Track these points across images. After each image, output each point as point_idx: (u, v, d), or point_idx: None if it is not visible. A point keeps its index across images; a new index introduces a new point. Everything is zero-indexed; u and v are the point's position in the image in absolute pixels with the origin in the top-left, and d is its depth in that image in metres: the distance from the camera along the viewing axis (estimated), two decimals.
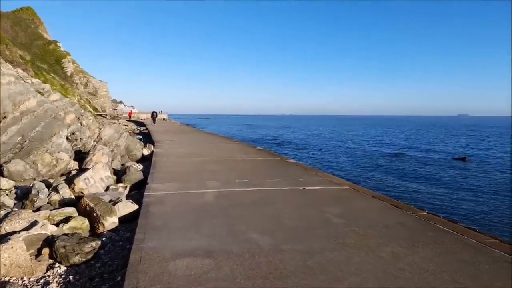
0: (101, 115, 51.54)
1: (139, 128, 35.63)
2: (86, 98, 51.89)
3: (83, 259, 3.93)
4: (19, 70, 9.44)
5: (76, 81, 53.37)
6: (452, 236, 4.39)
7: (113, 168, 8.34)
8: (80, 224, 4.64)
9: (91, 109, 46.49)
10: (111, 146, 9.65)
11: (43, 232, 4.22)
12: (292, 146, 37.65)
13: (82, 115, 10.01)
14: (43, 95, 9.25)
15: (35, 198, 5.40)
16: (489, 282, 3.18)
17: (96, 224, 4.80)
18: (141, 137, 24.94)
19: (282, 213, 5.23)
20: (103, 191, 6.50)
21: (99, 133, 10.11)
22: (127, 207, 5.32)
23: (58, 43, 53.99)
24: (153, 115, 47.38)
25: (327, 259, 3.60)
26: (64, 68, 50.82)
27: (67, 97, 37.19)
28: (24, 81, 8.87)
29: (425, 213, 5.47)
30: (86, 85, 56.51)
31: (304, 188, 6.89)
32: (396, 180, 17.75)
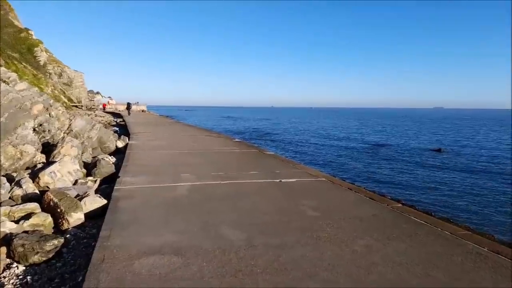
0: (76, 106, 50.04)
1: (115, 119, 34.74)
2: (60, 89, 50.17)
3: (44, 258, 3.70)
4: None
5: (50, 71, 51.50)
6: (426, 228, 4.39)
7: (83, 161, 8.01)
8: (43, 220, 4.38)
9: (65, 100, 45.02)
10: (82, 138, 9.28)
11: (1, 229, 3.95)
12: (272, 137, 37.61)
13: (51, 106, 9.56)
14: (8, 84, 8.76)
15: None
16: (462, 274, 3.16)
17: (60, 220, 4.56)
18: (117, 128, 24.31)
19: (256, 206, 5.11)
20: (71, 185, 6.20)
21: (70, 125, 9.69)
22: (94, 202, 5.08)
23: (30, 31, 51.79)
24: (128, 106, 46.48)
25: (300, 254, 3.50)
26: (37, 57, 48.85)
27: (40, 87, 35.86)
28: None
29: (399, 204, 5.47)
30: (60, 75, 54.63)
31: (280, 181, 6.80)
32: (373, 172, 17.96)
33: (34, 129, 8.23)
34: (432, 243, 3.89)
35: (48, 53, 54.56)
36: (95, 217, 5.03)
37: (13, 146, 6.75)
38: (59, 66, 55.16)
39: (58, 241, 3.94)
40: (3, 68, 9.41)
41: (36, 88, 9.88)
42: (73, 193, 5.39)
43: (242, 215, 4.67)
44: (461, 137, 40.87)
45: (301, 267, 3.21)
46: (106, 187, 6.66)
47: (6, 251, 3.72)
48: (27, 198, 5.25)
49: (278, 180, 6.81)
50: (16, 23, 52.70)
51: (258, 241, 3.79)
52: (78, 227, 4.60)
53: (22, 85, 9.48)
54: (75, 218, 4.56)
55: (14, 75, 9.82)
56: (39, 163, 7.20)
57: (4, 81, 8.64)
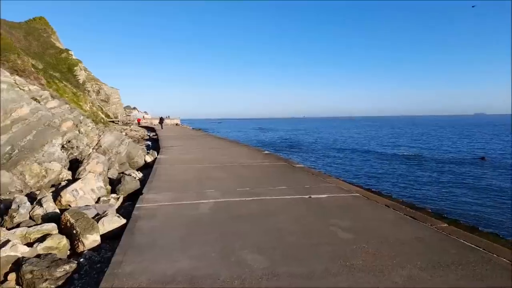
0: (113, 121, 51.85)
1: (148, 134, 35.52)
2: (98, 105, 52.30)
3: (52, 286, 3.46)
4: (17, 77, 9.15)
5: (88, 89, 53.85)
6: (479, 254, 3.77)
7: (108, 178, 7.93)
8: (57, 243, 4.18)
9: (103, 116, 46.76)
10: (110, 154, 9.26)
11: (12, 253, 3.78)
12: (302, 149, 36.90)
13: (81, 122, 9.66)
14: (39, 102, 8.93)
15: (15, 214, 4.98)
16: None
17: (76, 242, 4.35)
18: (150, 143, 24.72)
19: (283, 227, 4.68)
20: (93, 203, 6.06)
21: (99, 141, 9.74)
22: (113, 222, 4.85)
23: (70, 52, 54.65)
24: (161, 120, 47.55)
25: (330, 286, 3.04)
26: (76, 76, 51.31)
27: (79, 104, 37.44)
28: (20, 88, 8.56)
29: (445, 224, 4.83)
30: (98, 92, 57.04)
31: (310, 197, 6.32)
32: (412, 184, 16.91)
33: (62, 146, 8.28)
34: (488, 273, 3.29)
35: (87, 72, 57.22)
36: (114, 238, 4.80)
37: (38, 164, 6.77)
38: (97, 84, 57.64)
39: (69, 267, 3.71)
40: (35, 87, 9.62)
41: (68, 105, 10.04)
42: (92, 212, 5.21)
43: (266, 238, 4.25)
44: (506, 145, 38.23)
45: None
46: (129, 204, 6.48)
47: (15, 278, 3.52)
48: (47, 218, 5.12)
49: (307, 196, 6.34)
50: (57, 44, 55.80)
51: (282, 269, 3.36)
52: (94, 249, 4.36)
53: (53, 102, 9.66)
54: (91, 240, 4.33)
55: (46, 93, 10.04)
56: (64, 181, 7.18)
57: (35, 99, 8.81)
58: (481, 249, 3.93)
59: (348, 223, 4.80)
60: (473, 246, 4.02)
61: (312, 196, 6.36)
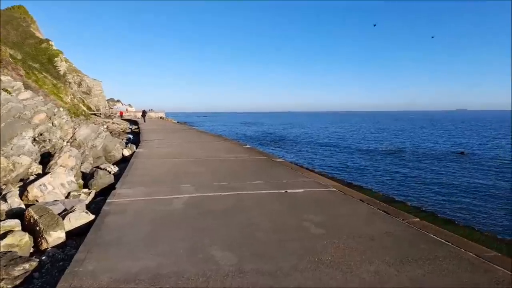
0: (95, 114, 50.85)
1: (131, 127, 34.97)
2: (80, 97, 51.15)
3: (9, 286, 3.30)
4: None
5: (69, 80, 52.62)
6: (447, 249, 3.78)
7: (82, 172, 7.71)
8: (18, 240, 4.00)
9: (84, 108, 45.76)
10: (85, 147, 9.01)
11: None
12: (286, 143, 36.95)
13: (54, 114, 9.35)
14: (10, 93, 8.59)
15: None
16: None
17: (39, 239, 4.18)
18: (131, 136, 24.35)
19: (256, 222, 4.61)
20: (63, 198, 5.87)
21: (73, 134, 9.45)
22: (80, 218, 4.69)
23: (50, 42, 53.20)
24: (143, 113, 46.94)
25: (296, 284, 2.98)
26: (57, 67, 50.03)
27: (59, 96, 36.47)
28: None
29: (417, 219, 4.85)
30: (79, 84, 55.80)
31: (286, 191, 6.27)
32: (393, 178, 17.12)
33: (34, 139, 8.00)
34: (455, 269, 3.29)
35: (68, 63, 55.83)
36: (82, 235, 4.64)
37: (5, 158, 6.50)
38: (78, 75, 56.36)
39: (30, 265, 3.55)
40: (8, 77, 9.25)
41: (41, 97, 9.71)
42: (59, 208, 5.04)
43: (237, 234, 4.18)
44: (485, 140, 39.16)
45: None
46: (101, 199, 6.30)
47: None
48: (12, 214, 4.92)
49: (283, 191, 6.29)
50: (37, 34, 54.21)
51: (249, 267, 3.29)
52: (58, 246, 4.21)
53: (26, 94, 9.32)
54: (55, 237, 4.17)
55: (19, 84, 9.68)
56: (33, 175, 6.94)
57: (6, 91, 8.47)
58: (450, 244, 3.95)
59: (321, 218, 4.77)
60: (442, 241, 4.04)
61: (288, 191, 6.31)
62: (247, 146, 15.17)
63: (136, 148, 12.70)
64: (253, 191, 6.28)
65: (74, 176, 6.82)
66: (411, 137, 43.63)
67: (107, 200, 5.55)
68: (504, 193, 13.92)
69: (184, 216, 4.86)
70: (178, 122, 61.91)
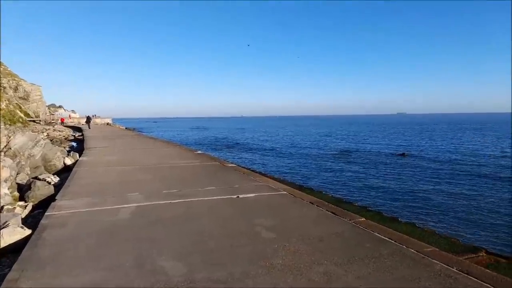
0: (34, 121, 47.36)
1: (74, 134, 33.06)
2: (16, 103, 47.35)
3: None
4: None
5: (4, 85, 48.51)
6: (390, 247, 3.98)
7: (17, 183, 7.12)
8: None
9: (21, 115, 42.45)
10: (21, 157, 8.34)
11: None
12: (238, 147, 37.04)
13: None
14: None
15: None
16: None
17: None
18: (74, 144, 23.03)
19: (206, 229, 4.54)
20: None
21: (8, 142, 8.72)
22: (15, 233, 4.32)
23: None
24: (88, 119, 44.61)
25: None
26: None
27: None
28: None
29: (363, 219, 5.07)
30: (16, 89, 51.67)
31: (238, 197, 6.26)
32: (341, 179, 17.80)
33: None
34: (397, 265, 3.47)
35: (2, 66, 51.60)
36: (17, 251, 4.27)
37: None
38: (14, 80, 52.26)
39: None
40: None
41: None
42: None
43: (187, 242, 4.08)
44: (424, 141, 42.09)
45: None
46: (40, 212, 5.87)
47: None
48: None
49: (235, 196, 6.27)
50: None
51: (200, 275, 3.22)
52: None
53: None
54: None
55: None
56: None
57: None
58: (393, 241, 4.16)
59: (272, 222, 4.81)
60: (386, 239, 4.25)
61: (240, 196, 6.31)
62: (199, 151, 14.97)
63: (80, 156, 12.00)
64: (205, 198, 6.19)
65: (9, 188, 6.27)
66: (358, 140, 45.71)
67: (45, 213, 5.17)
68: (441, 190, 15.00)
69: (131, 226, 4.66)
70: (126, 128, 59.71)
